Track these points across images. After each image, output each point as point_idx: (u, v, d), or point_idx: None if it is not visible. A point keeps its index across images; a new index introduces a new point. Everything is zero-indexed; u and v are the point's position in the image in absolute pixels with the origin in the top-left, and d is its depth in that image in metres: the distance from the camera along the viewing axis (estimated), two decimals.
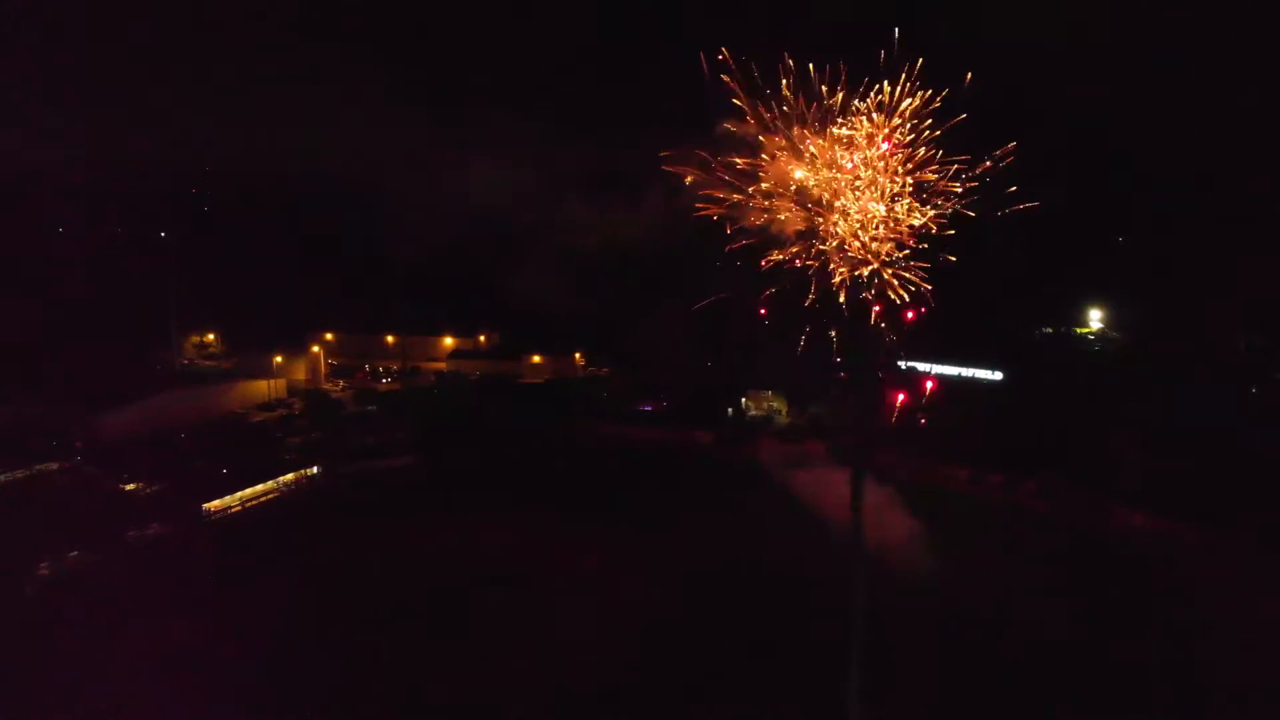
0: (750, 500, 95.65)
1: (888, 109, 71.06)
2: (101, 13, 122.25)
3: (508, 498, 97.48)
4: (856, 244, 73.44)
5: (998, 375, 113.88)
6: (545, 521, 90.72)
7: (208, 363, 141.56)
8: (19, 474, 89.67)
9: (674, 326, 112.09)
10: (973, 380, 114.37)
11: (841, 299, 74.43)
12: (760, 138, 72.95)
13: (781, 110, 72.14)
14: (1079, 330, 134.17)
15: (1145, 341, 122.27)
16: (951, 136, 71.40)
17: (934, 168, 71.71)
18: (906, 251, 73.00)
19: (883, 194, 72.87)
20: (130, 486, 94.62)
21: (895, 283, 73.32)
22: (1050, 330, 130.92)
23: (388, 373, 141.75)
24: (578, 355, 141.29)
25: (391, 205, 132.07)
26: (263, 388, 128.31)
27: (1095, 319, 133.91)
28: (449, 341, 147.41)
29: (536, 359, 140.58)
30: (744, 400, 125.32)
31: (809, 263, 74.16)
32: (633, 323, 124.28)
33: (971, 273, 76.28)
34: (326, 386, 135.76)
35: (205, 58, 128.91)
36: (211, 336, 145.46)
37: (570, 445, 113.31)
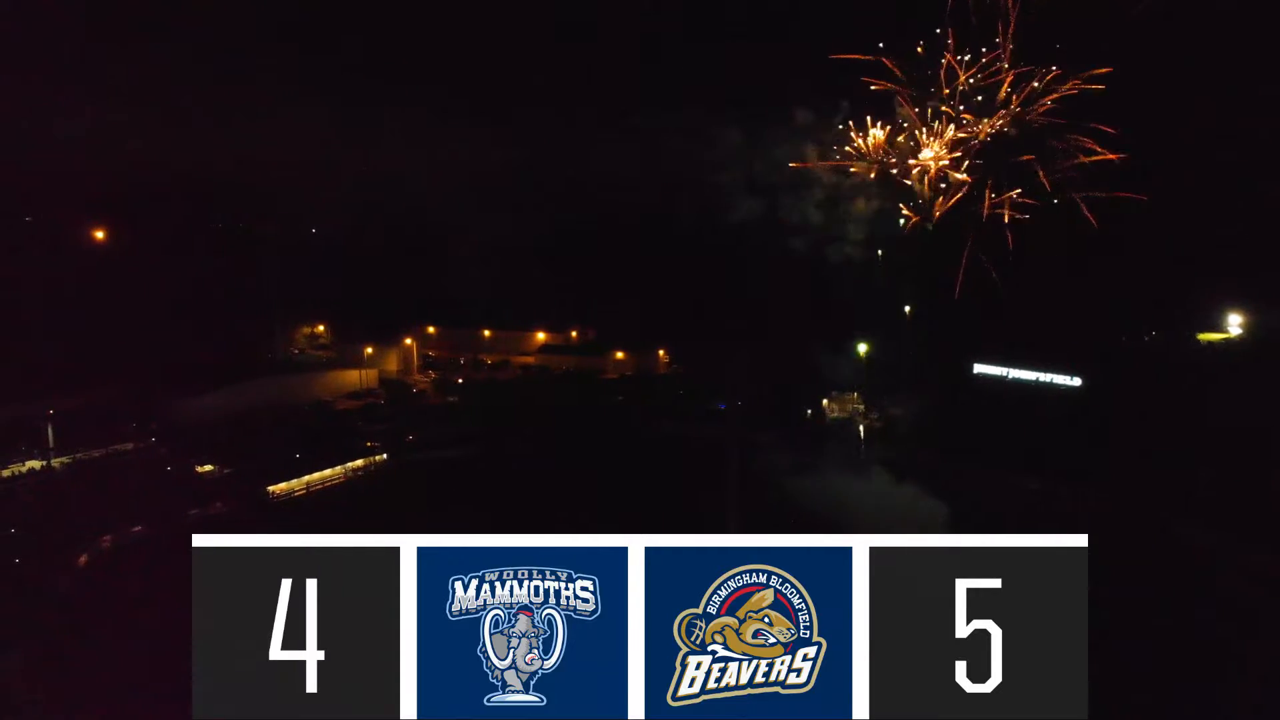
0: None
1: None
2: (215, 13, 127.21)
3: (553, 489, 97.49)
4: None
5: (1076, 381, 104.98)
6: (581, 515, 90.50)
7: (320, 353, 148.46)
8: (95, 453, 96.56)
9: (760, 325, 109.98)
10: (1049, 386, 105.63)
11: None
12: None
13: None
14: (1205, 336, 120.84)
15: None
16: None
17: None
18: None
19: None
20: (204, 468, 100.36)
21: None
22: (1159, 334, 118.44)
23: (479, 366, 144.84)
24: (661, 352, 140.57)
25: (497, 202, 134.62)
26: (354, 377, 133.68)
27: (1234, 324, 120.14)
28: (541, 336, 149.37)
29: (619, 355, 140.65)
30: (825, 401, 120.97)
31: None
32: (715, 320, 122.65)
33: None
34: (417, 378, 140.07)
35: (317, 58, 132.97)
36: (321, 328, 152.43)
37: (629, 442, 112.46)
